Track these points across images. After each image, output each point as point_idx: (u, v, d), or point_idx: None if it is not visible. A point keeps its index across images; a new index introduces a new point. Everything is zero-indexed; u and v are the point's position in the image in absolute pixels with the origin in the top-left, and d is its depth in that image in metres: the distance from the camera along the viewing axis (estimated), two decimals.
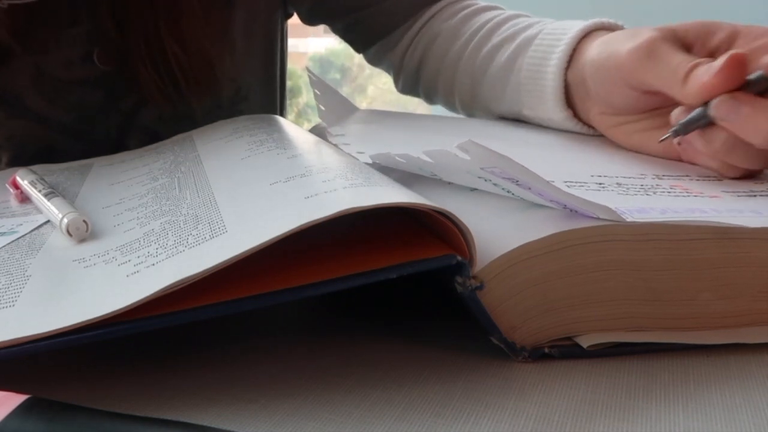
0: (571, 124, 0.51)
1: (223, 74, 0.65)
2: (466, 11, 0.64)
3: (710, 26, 0.43)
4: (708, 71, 0.38)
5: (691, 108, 0.40)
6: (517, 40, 0.55)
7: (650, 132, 0.46)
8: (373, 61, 0.73)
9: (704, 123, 0.39)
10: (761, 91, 0.38)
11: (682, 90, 0.40)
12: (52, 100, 0.61)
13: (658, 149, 0.45)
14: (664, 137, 0.40)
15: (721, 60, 0.38)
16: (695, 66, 0.40)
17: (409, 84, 0.70)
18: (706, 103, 0.39)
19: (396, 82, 0.72)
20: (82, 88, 0.61)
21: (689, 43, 0.44)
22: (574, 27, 0.50)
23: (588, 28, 0.50)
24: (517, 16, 0.60)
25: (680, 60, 0.40)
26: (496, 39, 0.58)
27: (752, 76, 0.38)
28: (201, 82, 0.62)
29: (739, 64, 0.38)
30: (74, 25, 0.60)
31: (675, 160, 0.44)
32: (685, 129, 0.40)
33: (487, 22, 0.61)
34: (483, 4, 0.66)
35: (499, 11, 0.63)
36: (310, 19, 0.73)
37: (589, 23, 0.50)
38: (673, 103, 0.43)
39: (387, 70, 0.73)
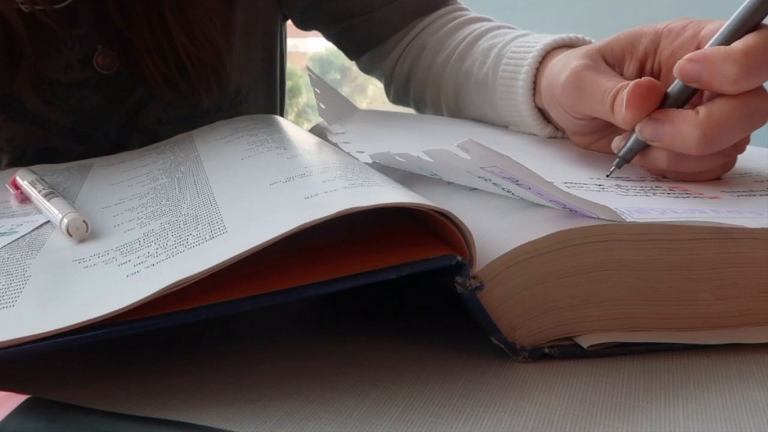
0: (558, 135, 0.51)
1: (230, 63, 0.65)
2: (453, 23, 0.65)
3: (634, 35, 0.43)
4: (622, 102, 0.38)
5: (626, 133, 0.40)
6: (490, 57, 0.55)
7: None
8: (365, 68, 0.74)
9: (641, 146, 0.39)
10: (687, 97, 0.38)
11: (614, 118, 0.40)
12: (52, 102, 0.61)
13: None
14: (610, 172, 0.40)
15: (625, 92, 0.38)
16: (617, 92, 0.39)
17: (399, 94, 0.70)
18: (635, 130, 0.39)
19: (387, 91, 0.72)
20: (81, 91, 0.62)
21: (618, 56, 0.44)
22: (535, 47, 0.50)
23: (548, 47, 0.49)
24: (498, 27, 0.60)
25: (605, 88, 0.40)
26: (475, 53, 0.58)
27: (672, 87, 0.38)
28: (209, 68, 0.62)
29: (643, 92, 0.38)
30: (75, 26, 0.60)
31: None
32: (626, 158, 0.39)
33: (469, 35, 0.61)
34: (472, 15, 0.66)
35: (483, 23, 0.63)
36: (303, 25, 0.73)
37: (549, 43, 0.49)
38: None
39: (379, 79, 0.73)
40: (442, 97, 0.62)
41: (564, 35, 0.50)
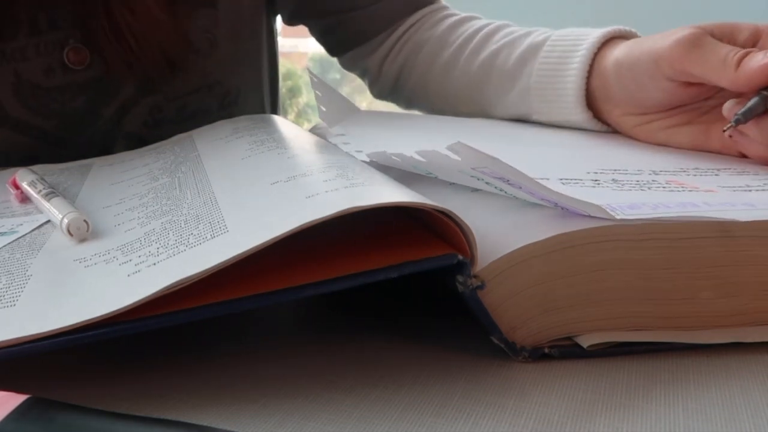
0: (592, 124, 0.52)
1: (199, 57, 0.64)
2: (450, 20, 0.65)
3: (733, 26, 0.46)
4: (765, 58, 0.41)
5: (741, 98, 0.43)
6: (522, 47, 0.56)
7: (675, 129, 0.48)
8: (347, 65, 0.74)
9: (761, 111, 0.41)
10: None
11: (733, 75, 0.42)
12: (33, 107, 0.60)
13: (684, 143, 0.47)
14: (726, 127, 0.42)
15: None
16: (746, 54, 0.42)
17: (386, 90, 0.70)
18: (760, 94, 0.41)
19: (371, 87, 0.72)
20: (63, 95, 0.61)
21: (717, 39, 0.45)
22: (593, 33, 0.52)
23: (609, 35, 0.51)
24: (508, 25, 0.61)
25: (728, 49, 0.43)
26: (493, 45, 0.58)
27: None
28: (155, 44, 0.60)
29: None
30: (52, 30, 0.59)
31: (703, 152, 0.47)
32: (745, 118, 0.42)
33: (480, 29, 0.61)
34: (464, 14, 0.66)
35: (486, 20, 0.64)
36: (291, 19, 0.72)
37: (609, 30, 0.51)
38: (706, 97, 0.47)
39: (361, 76, 0.73)
40: (450, 91, 0.62)
41: (620, 27, 0.52)
